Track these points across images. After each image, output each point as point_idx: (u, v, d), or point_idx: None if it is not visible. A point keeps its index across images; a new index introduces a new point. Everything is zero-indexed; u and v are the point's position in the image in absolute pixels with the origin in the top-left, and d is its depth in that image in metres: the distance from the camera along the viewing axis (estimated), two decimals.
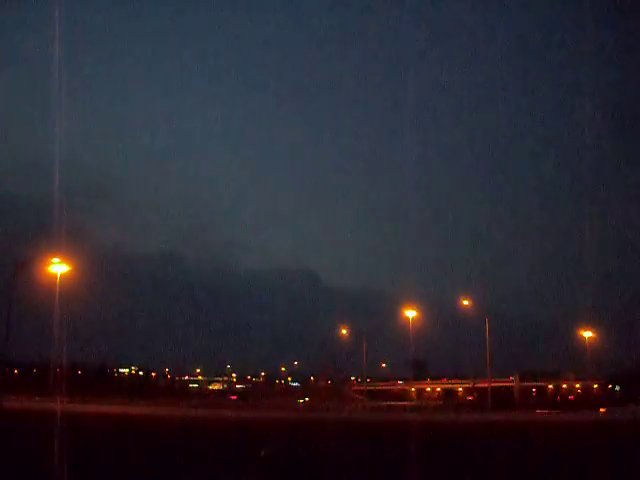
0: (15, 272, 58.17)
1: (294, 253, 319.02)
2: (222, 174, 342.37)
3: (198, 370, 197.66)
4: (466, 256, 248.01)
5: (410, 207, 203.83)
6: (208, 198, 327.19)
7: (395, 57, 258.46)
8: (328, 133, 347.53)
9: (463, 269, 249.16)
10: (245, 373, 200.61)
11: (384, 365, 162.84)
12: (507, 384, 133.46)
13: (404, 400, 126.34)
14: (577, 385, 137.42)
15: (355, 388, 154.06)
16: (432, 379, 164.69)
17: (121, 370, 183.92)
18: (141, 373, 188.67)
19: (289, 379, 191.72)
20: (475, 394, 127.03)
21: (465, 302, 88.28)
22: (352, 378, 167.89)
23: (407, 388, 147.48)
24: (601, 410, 77.70)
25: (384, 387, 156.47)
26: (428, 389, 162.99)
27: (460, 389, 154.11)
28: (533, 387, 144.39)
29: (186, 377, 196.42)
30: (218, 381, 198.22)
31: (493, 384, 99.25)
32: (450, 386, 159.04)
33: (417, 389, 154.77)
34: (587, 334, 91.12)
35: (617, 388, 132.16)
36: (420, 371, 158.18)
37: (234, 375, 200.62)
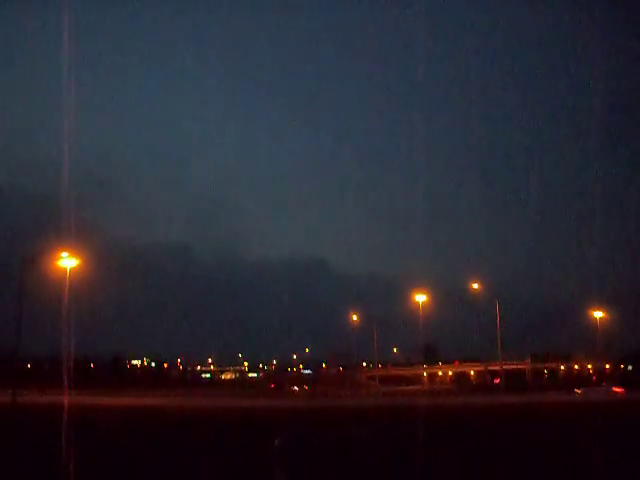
0: (24, 267, 58.26)
1: (302, 241, 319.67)
2: (229, 165, 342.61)
3: (210, 360, 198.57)
4: (476, 239, 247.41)
5: (418, 191, 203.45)
6: (216, 189, 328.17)
7: (400, 41, 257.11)
8: (334, 122, 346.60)
9: (473, 252, 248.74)
10: (256, 362, 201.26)
11: (395, 350, 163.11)
12: (519, 366, 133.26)
13: (416, 385, 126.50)
14: (589, 366, 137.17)
15: (367, 374, 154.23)
16: (443, 363, 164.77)
17: (133, 362, 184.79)
18: (153, 364, 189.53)
19: (301, 366, 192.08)
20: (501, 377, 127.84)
21: (475, 285, 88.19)
22: (364, 364, 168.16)
23: (419, 373, 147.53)
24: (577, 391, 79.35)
25: (396, 372, 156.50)
26: (440, 373, 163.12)
27: (472, 372, 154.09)
28: (545, 369, 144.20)
29: (198, 367, 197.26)
30: (230, 370, 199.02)
31: (505, 367, 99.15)
32: (462, 370, 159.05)
33: (429, 373, 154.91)
34: (598, 314, 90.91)
35: (630, 368, 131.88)
36: (431, 355, 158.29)
37: (246, 364, 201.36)
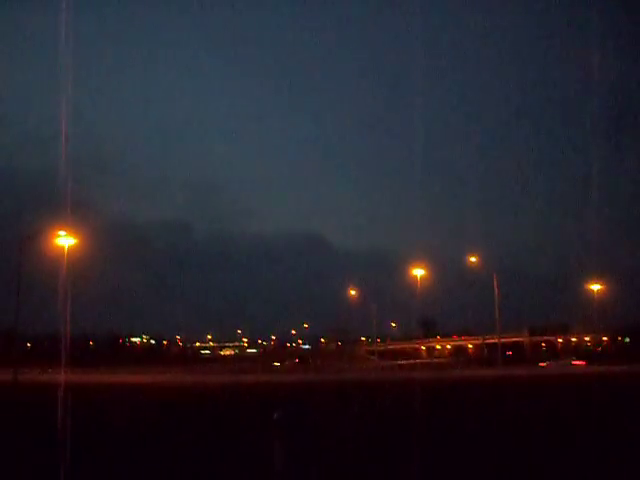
0: (22, 246, 58.13)
1: (301, 217, 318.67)
2: (228, 141, 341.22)
3: (209, 336, 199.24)
4: (474, 213, 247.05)
5: (416, 166, 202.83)
6: (214, 166, 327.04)
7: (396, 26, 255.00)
8: (332, 98, 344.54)
9: (472, 226, 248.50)
10: (256, 337, 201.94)
11: (394, 325, 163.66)
12: (517, 339, 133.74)
13: (415, 359, 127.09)
14: (587, 338, 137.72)
15: (366, 348, 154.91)
16: (442, 337, 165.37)
17: (132, 339, 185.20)
18: (153, 342, 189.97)
19: (300, 342, 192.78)
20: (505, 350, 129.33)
21: (472, 259, 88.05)
22: (362, 339, 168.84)
23: (417, 347, 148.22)
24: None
25: (394, 346, 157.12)
26: (438, 347, 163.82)
27: (470, 346, 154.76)
28: (542, 342, 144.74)
29: (197, 344, 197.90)
30: (229, 347, 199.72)
31: (503, 340, 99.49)
32: (460, 343, 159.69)
33: (427, 347, 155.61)
34: (595, 287, 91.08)
35: (627, 340, 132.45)
36: (429, 329, 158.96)
37: (245, 340, 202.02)
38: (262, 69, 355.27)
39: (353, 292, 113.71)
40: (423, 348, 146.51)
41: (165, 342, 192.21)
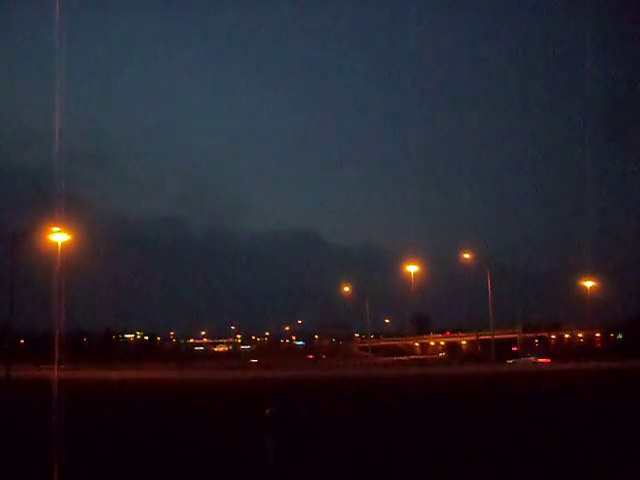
0: (15, 242, 57.92)
1: (296, 214, 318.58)
2: (223, 138, 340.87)
3: (203, 332, 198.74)
4: (468, 210, 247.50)
5: (411, 164, 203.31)
6: (209, 162, 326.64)
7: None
8: (326, 94, 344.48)
9: (467, 223, 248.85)
10: (249, 334, 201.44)
11: (387, 321, 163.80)
12: (510, 335, 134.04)
13: (408, 355, 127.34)
14: (579, 334, 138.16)
15: (359, 345, 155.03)
16: (435, 333, 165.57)
17: (126, 336, 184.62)
18: (146, 338, 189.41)
19: (293, 338, 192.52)
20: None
21: (466, 256, 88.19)
22: (356, 335, 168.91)
23: (411, 343, 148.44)
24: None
25: (388, 343, 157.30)
26: (432, 343, 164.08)
27: (464, 342, 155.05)
28: (536, 338, 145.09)
29: (191, 340, 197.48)
30: (223, 343, 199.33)
31: (496, 336, 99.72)
32: (453, 339, 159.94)
33: (421, 343, 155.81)
34: (588, 284, 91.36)
35: (619, 336, 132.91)
36: (423, 326, 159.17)
37: (238, 336, 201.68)
38: (261, 68, 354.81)
39: (347, 289, 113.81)
40: (417, 344, 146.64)
41: (159, 338, 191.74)
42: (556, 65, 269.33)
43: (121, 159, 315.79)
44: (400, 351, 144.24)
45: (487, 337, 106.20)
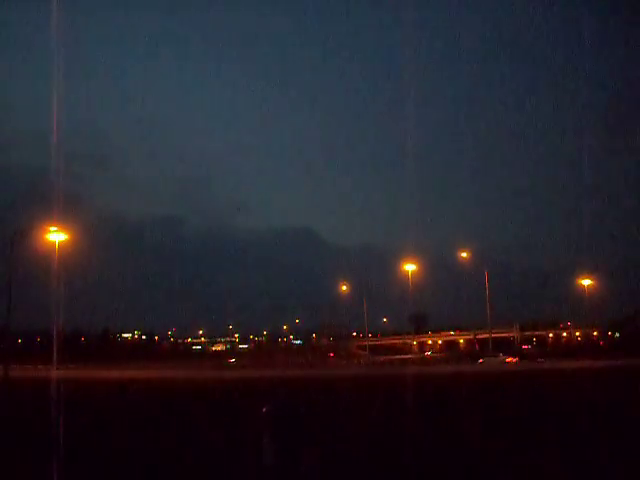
0: (14, 241, 57.88)
1: (294, 213, 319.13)
2: (222, 137, 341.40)
3: (200, 332, 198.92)
4: (466, 210, 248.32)
5: (411, 165, 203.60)
6: (208, 162, 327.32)
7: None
8: (327, 94, 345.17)
9: (464, 222, 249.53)
10: (247, 333, 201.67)
11: (385, 320, 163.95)
12: (508, 334, 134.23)
13: (406, 354, 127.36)
14: (577, 333, 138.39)
15: (357, 344, 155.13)
16: (433, 332, 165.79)
17: (124, 335, 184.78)
18: (144, 337, 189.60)
19: (291, 337, 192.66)
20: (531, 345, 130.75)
21: (464, 254, 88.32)
22: (354, 334, 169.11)
23: (409, 342, 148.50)
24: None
25: (386, 342, 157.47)
26: (430, 342, 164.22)
27: (461, 341, 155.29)
28: (534, 337, 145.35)
29: (189, 339, 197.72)
30: (220, 342, 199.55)
31: (494, 335, 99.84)
32: (451, 338, 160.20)
33: (419, 342, 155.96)
34: (586, 282, 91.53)
35: (617, 335, 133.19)
36: (421, 324, 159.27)
37: (236, 335, 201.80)
38: (261, 68, 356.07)
39: (345, 288, 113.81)
40: (414, 343, 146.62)
41: (156, 338, 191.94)
42: (556, 66, 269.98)
43: (120, 159, 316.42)
44: (398, 350, 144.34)
45: (485, 336, 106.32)
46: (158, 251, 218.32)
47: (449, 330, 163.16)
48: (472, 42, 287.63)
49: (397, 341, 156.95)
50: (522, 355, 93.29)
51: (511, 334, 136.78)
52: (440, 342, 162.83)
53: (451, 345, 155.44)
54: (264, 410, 5.12)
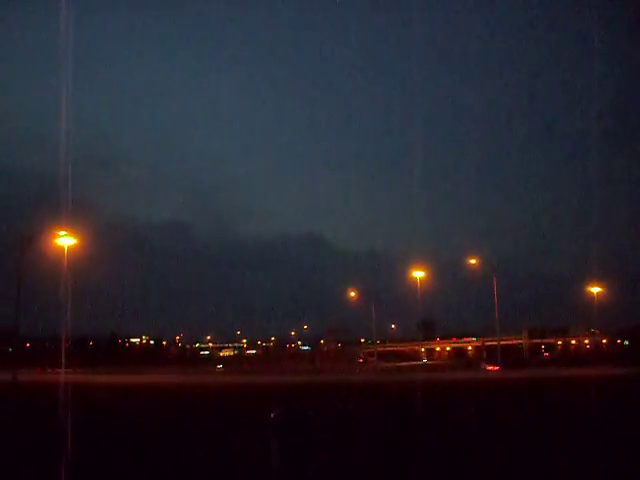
0: (22, 246, 58.06)
1: (301, 218, 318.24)
2: (226, 142, 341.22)
3: (208, 337, 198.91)
4: (474, 215, 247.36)
5: (417, 168, 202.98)
6: (214, 166, 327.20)
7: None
8: (334, 96, 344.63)
9: (473, 229, 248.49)
10: (255, 338, 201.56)
11: (393, 326, 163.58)
12: (516, 341, 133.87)
13: (414, 360, 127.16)
14: (586, 341, 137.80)
15: (365, 350, 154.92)
16: (441, 339, 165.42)
17: (132, 340, 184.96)
18: (152, 342, 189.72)
19: (299, 343, 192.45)
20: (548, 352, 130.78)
21: (472, 261, 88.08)
22: (362, 340, 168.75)
23: (417, 348, 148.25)
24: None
25: (394, 348, 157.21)
26: (438, 349, 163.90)
27: (470, 347, 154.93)
28: (542, 344, 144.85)
29: (196, 345, 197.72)
30: (228, 347, 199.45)
31: (502, 342, 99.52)
32: (460, 345, 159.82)
33: (427, 349, 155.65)
34: (595, 289, 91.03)
35: (626, 342, 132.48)
36: (429, 331, 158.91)
37: (244, 341, 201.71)
38: (263, 69, 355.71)
39: (353, 293, 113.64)
40: (422, 350, 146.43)
41: (164, 343, 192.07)
42: (558, 68, 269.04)
43: (126, 163, 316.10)
44: (407, 357, 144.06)
45: (493, 343, 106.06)
46: (165, 256, 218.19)
47: (460, 337, 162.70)
48: (479, 38, 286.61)
49: (405, 348, 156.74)
50: (523, 362, 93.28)
51: (520, 341, 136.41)
52: (448, 349, 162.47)
53: (459, 352, 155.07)
54: (272, 415, 5.12)
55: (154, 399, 35.68)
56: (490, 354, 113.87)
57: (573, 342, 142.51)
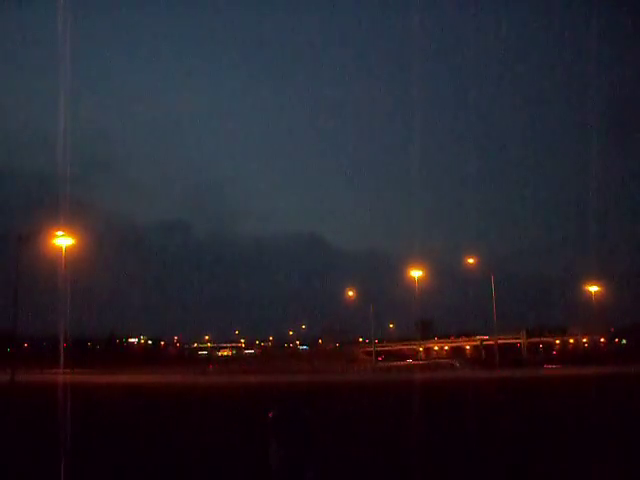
0: (20, 246, 58.09)
1: (300, 217, 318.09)
2: (225, 142, 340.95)
3: (207, 337, 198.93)
4: (472, 215, 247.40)
5: (416, 168, 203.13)
6: (214, 166, 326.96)
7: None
8: (331, 97, 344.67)
9: (471, 228, 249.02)
10: (253, 338, 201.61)
11: (391, 326, 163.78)
12: (514, 341, 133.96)
13: (412, 360, 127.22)
14: (584, 340, 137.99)
15: (363, 349, 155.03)
16: (439, 338, 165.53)
17: (130, 340, 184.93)
18: (150, 342, 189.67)
19: (297, 343, 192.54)
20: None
21: (470, 260, 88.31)
22: (360, 340, 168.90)
23: (415, 348, 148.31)
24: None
25: (392, 347, 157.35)
26: (436, 348, 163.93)
27: (467, 347, 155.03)
28: (540, 343, 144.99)
29: (195, 345, 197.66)
30: (226, 347, 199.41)
31: (500, 341, 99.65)
32: (457, 344, 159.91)
33: (425, 348, 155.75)
34: (593, 288, 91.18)
35: (624, 341, 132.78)
36: (427, 330, 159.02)
37: (242, 341, 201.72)
38: (262, 69, 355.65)
39: (351, 293, 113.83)
40: (421, 349, 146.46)
41: (162, 343, 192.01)
42: (557, 66, 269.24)
43: (125, 163, 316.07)
44: (404, 356, 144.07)
45: (491, 342, 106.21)
46: (163, 256, 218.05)
47: (457, 336, 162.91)
48: (478, 38, 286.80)
49: (403, 347, 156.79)
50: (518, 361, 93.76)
51: (518, 340, 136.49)
52: (446, 348, 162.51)
53: (458, 351, 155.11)
54: (270, 415, 5.15)
55: (153, 399, 35.69)
56: (488, 353, 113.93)
57: (571, 341, 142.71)
